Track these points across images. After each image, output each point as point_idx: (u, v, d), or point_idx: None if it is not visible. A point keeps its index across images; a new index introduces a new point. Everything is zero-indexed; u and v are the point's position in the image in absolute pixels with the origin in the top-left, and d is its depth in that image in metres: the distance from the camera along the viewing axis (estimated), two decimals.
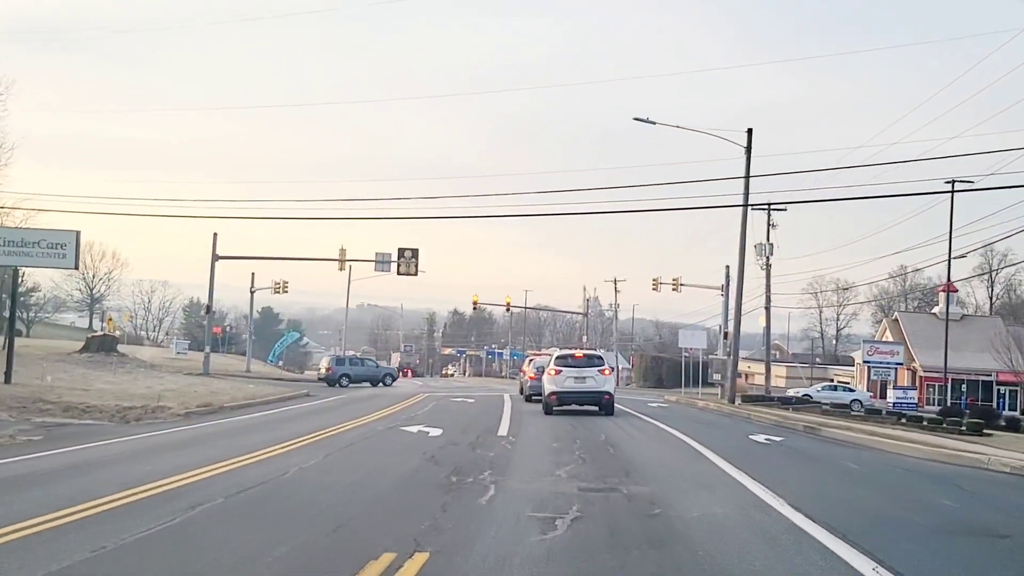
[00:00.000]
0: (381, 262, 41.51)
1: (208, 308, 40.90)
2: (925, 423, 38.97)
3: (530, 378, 31.80)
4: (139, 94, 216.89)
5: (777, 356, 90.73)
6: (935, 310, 70.37)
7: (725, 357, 42.39)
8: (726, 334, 42.32)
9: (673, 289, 48.16)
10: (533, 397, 30.44)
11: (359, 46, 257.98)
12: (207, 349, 40.73)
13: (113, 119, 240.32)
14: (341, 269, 41.53)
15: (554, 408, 25.62)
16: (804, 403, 42.35)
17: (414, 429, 18.76)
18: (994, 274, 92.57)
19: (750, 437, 19.40)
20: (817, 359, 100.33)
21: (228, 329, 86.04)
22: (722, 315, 43.08)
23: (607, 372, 26.05)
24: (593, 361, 26.16)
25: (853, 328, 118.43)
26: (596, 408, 25.59)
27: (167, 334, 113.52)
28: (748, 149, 33.44)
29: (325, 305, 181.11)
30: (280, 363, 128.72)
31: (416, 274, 41.33)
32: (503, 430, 19.04)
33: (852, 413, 39.57)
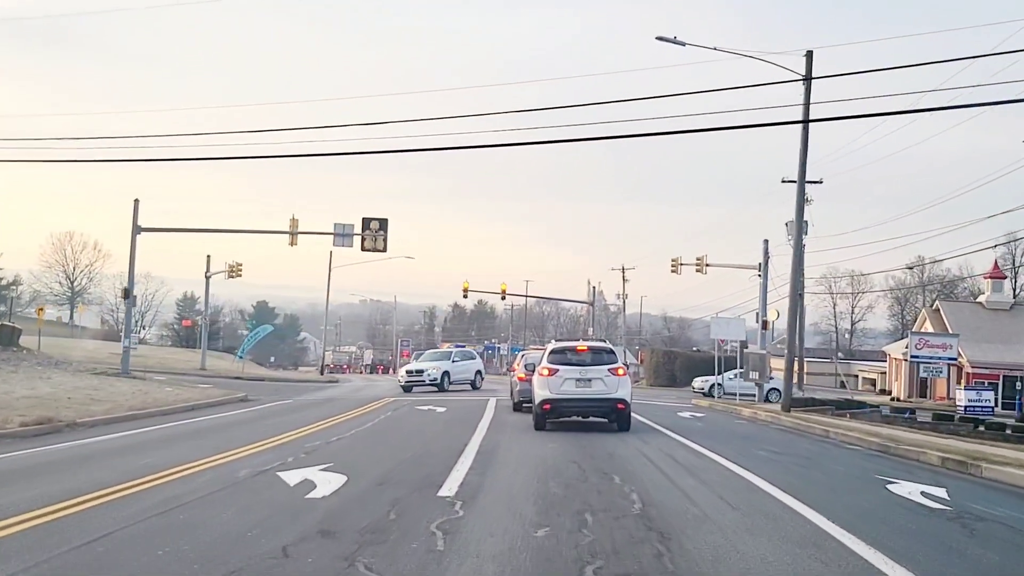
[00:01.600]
0: (341, 234, 33.03)
1: (127, 292, 32.45)
2: (1009, 431, 30.76)
3: (519, 379, 23.26)
4: (140, 88, 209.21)
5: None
6: (981, 298, 61.72)
7: (763, 351, 33.86)
8: (765, 323, 33.70)
9: (697, 270, 39.36)
10: (524, 404, 21.98)
11: (363, 41, 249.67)
12: (126, 343, 32.10)
13: (114, 114, 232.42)
14: (292, 244, 33.14)
15: (548, 421, 17.55)
16: (860, 408, 33.83)
17: (295, 478, 10.31)
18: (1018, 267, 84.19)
19: (894, 490, 10.80)
20: (840, 354, 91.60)
21: (199, 324, 77.85)
22: (760, 299, 34.42)
23: (621, 372, 17.83)
24: (601, 356, 17.96)
25: (868, 322, 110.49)
26: (604, 420, 18.12)
27: (145, 327, 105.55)
28: (808, 78, 24.92)
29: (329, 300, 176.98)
30: (272, 359, 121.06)
31: (384, 249, 32.92)
32: (454, 479, 10.50)
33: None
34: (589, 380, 17.24)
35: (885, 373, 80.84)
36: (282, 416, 21.64)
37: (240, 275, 44.03)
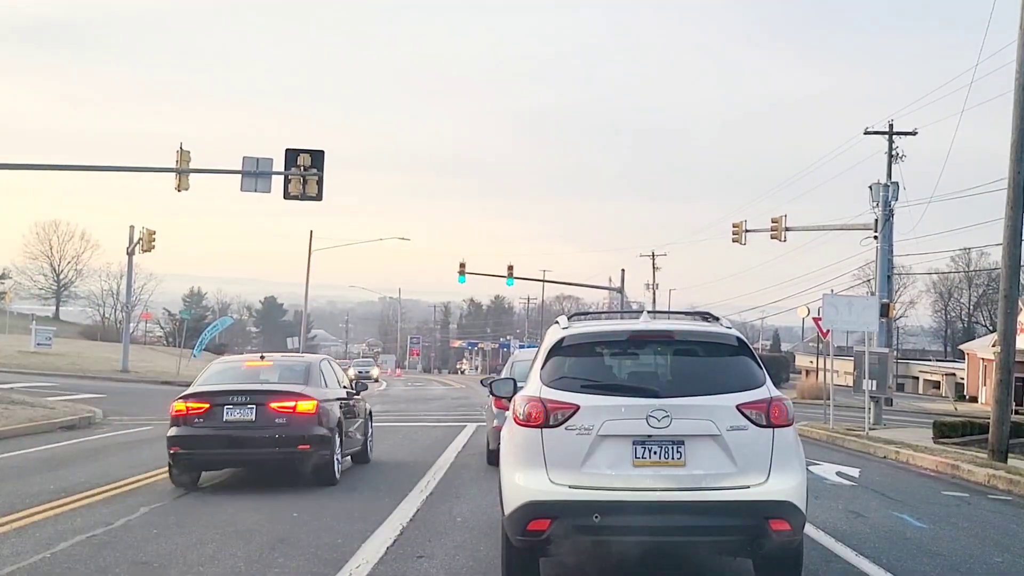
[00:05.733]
0: (252, 173, 21.17)
1: None
2: None
3: (497, 405, 10.75)
4: (151, 88, 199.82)
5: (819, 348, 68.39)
6: None
7: (884, 350, 21.75)
8: (886, 306, 21.62)
9: (773, 237, 27.14)
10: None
11: (374, 39, 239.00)
12: None
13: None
14: (180, 188, 21.38)
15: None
16: None
17: None
18: None
19: None
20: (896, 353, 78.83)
21: (169, 320, 67.38)
22: (878, 271, 22.02)
23: (777, 413, 5.14)
24: (713, 366, 5.47)
25: (910, 319, 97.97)
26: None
27: (129, 322, 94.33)
28: None
29: (348, 299, 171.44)
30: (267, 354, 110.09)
31: (319, 196, 21.06)
32: None
33: None
34: (677, 443, 5.07)
35: (952, 375, 68.56)
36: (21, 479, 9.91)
37: (153, 247, 32.60)
